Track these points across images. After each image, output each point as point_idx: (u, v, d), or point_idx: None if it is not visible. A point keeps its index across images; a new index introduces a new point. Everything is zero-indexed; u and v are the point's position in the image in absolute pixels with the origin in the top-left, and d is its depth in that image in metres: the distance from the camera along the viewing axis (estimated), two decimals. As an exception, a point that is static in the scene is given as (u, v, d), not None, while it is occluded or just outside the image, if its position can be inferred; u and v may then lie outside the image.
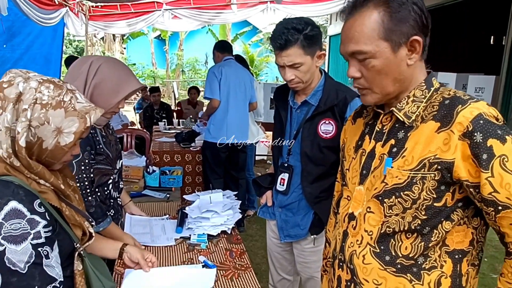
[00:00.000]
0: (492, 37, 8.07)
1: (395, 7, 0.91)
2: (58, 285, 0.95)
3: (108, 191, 1.67)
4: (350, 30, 0.95)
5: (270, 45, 1.68)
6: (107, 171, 1.63)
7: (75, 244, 1.06)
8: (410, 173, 0.93)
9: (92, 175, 1.55)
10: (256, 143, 4.54)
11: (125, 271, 1.48)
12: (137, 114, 7.12)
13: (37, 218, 0.92)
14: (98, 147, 1.57)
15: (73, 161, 1.47)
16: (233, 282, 1.48)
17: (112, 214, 1.70)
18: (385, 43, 0.92)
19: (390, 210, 0.97)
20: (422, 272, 0.97)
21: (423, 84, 0.99)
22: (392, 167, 0.96)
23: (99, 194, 1.61)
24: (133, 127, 6.11)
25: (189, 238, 1.80)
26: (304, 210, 1.73)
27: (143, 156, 3.54)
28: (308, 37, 1.53)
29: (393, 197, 0.96)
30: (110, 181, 1.67)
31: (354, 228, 1.05)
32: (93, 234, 1.12)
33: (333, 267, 1.14)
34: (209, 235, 1.82)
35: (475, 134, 0.86)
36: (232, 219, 1.90)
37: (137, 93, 7.79)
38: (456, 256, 0.97)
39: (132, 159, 3.25)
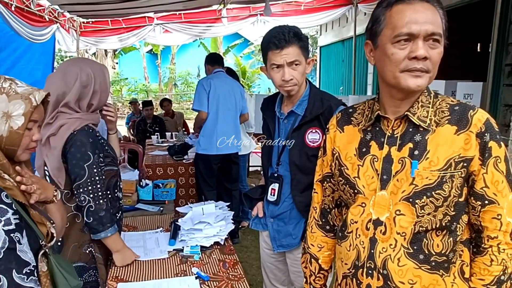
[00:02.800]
0: (479, 44, 8.23)
1: (444, 12, 1.01)
2: (32, 269, 0.98)
3: (116, 194, 1.71)
4: (428, 14, 0.97)
5: (261, 57, 1.72)
6: (115, 172, 1.68)
7: (40, 241, 1.07)
8: (440, 173, 0.99)
9: (103, 177, 1.59)
10: (248, 154, 4.55)
11: (118, 285, 1.47)
12: (127, 128, 7.12)
13: (4, 207, 0.95)
14: (104, 148, 1.63)
15: (85, 165, 1.52)
16: (226, 293, 1.48)
17: (119, 217, 1.74)
18: (443, 37, 1.00)
19: (422, 210, 1.01)
20: (450, 265, 1.04)
21: (426, 91, 1.06)
22: (418, 169, 1.01)
23: (110, 196, 1.64)
24: (128, 141, 6.09)
25: (182, 250, 1.79)
26: (296, 219, 1.74)
27: (136, 170, 3.53)
28: (303, 41, 1.61)
29: (425, 197, 1.00)
30: (119, 183, 1.73)
31: (384, 234, 1.05)
32: (55, 235, 1.12)
33: (355, 278, 1.11)
34: (202, 247, 1.81)
35: (486, 134, 0.99)
36: (225, 230, 1.90)
37: (129, 108, 7.81)
38: (468, 244, 1.07)
39: (125, 173, 3.23)
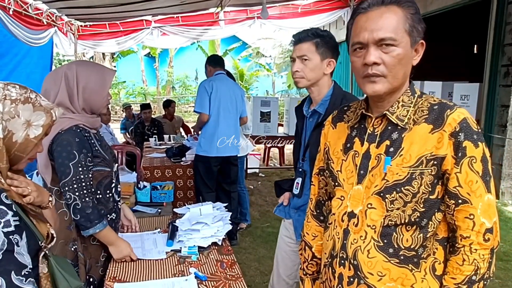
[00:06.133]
0: (475, 46, 8.27)
1: (415, 8, 1.03)
2: (30, 271, 0.98)
3: (111, 194, 1.73)
4: (379, 20, 1.01)
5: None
6: (107, 173, 1.69)
7: (40, 242, 1.07)
8: (410, 170, 1.02)
9: (90, 176, 1.60)
10: (246, 155, 4.55)
11: (114, 285, 1.48)
12: (122, 134, 7.08)
13: (4, 208, 0.96)
14: (94, 149, 1.64)
15: (70, 164, 1.54)
16: (224, 293, 1.48)
17: (113, 217, 1.75)
18: (408, 37, 1.01)
19: (392, 205, 1.04)
20: (420, 261, 1.06)
21: (409, 91, 1.09)
22: (391, 165, 1.04)
23: (100, 196, 1.67)
24: (126, 144, 6.09)
25: (180, 251, 1.80)
26: None
27: (134, 172, 3.54)
28: (322, 38, 1.74)
29: (394, 192, 1.04)
30: (113, 184, 1.74)
31: (356, 226, 1.10)
32: (54, 236, 1.13)
33: (331, 267, 1.16)
34: (199, 247, 1.82)
35: (460, 134, 0.99)
36: (223, 230, 1.91)
37: (122, 110, 7.77)
38: (445, 243, 1.08)
39: (123, 175, 3.24)
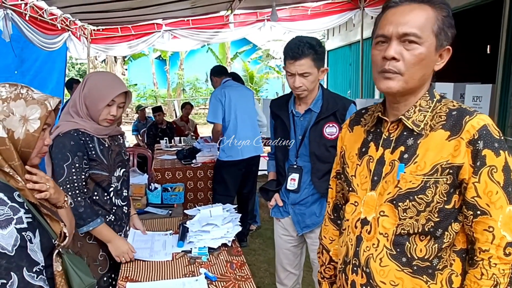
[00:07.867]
0: (488, 46, 8.16)
1: (448, 11, 0.99)
2: (41, 268, 1.01)
3: (108, 197, 1.78)
4: (408, 14, 0.97)
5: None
6: (104, 176, 1.75)
7: (53, 241, 1.10)
8: (424, 178, 0.98)
9: (83, 177, 1.68)
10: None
11: (127, 285, 1.51)
12: (134, 136, 7.16)
13: (17, 206, 0.99)
14: (90, 153, 1.70)
15: (64, 165, 1.63)
16: (233, 293, 1.50)
17: (112, 219, 1.79)
18: (434, 38, 0.97)
19: (405, 213, 1.01)
20: (436, 272, 1.02)
21: (427, 95, 1.05)
22: (405, 172, 1.01)
23: (97, 198, 1.73)
24: (137, 146, 6.17)
25: (190, 252, 1.83)
26: (318, 201, 1.94)
27: (145, 174, 3.58)
28: (318, 53, 1.82)
29: (407, 200, 1.01)
30: (112, 188, 1.78)
31: (369, 233, 1.08)
32: (67, 235, 1.16)
33: (344, 273, 1.15)
34: (210, 248, 1.84)
35: (479, 142, 0.94)
36: (232, 231, 1.93)
37: (136, 112, 7.83)
38: (464, 255, 1.04)
39: (134, 177, 3.28)
